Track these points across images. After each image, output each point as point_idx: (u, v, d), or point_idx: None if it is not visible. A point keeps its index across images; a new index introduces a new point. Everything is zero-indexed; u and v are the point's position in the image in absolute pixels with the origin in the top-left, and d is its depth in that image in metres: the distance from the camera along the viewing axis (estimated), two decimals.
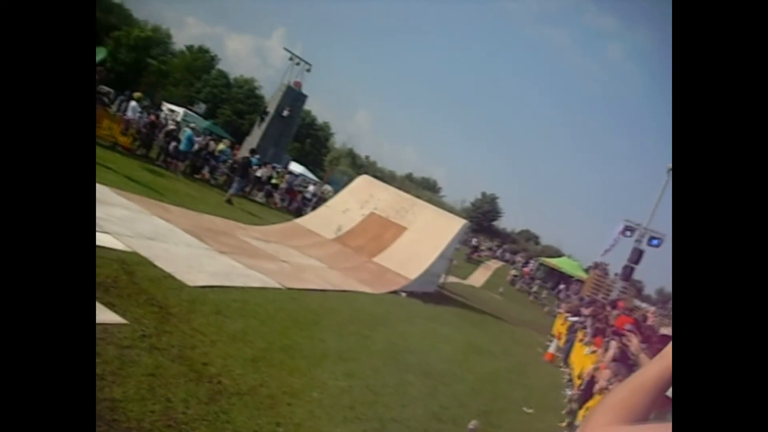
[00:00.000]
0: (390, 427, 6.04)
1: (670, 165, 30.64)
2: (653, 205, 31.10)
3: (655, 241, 29.77)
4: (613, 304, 17.64)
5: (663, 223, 32.27)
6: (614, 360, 7.12)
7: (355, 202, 21.10)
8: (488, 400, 8.72)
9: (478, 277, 41.37)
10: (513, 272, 47.95)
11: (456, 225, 21.38)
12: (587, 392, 8.25)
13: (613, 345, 6.05)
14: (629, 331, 6.01)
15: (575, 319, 16.81)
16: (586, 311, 15.99)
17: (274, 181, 29.86)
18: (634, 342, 5.94)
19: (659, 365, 1.11)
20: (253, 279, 10.05)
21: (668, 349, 1.12)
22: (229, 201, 20.63)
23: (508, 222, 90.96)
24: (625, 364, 6.86)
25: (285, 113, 37.07)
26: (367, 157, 79.62)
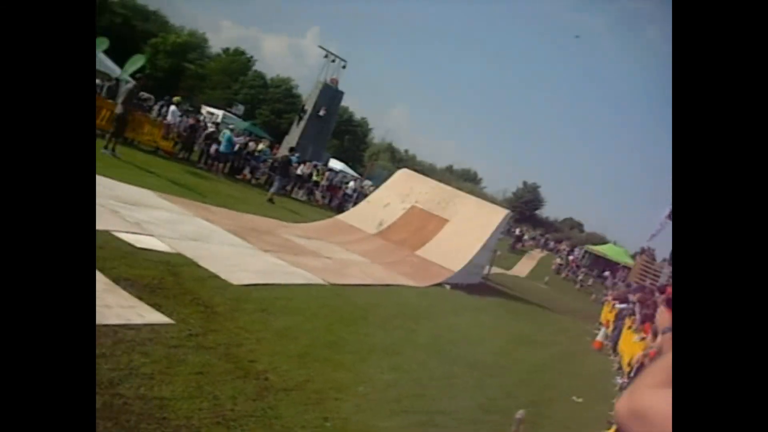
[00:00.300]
0: (437, 419, 6.01)
1: None
2: None
3: None
4: (662, 290, 17.29)
5: None
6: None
7: (396, 196, 21.06)
8: (536, 390, 8.62)
9: (523, 268, 41.03)
10: (558, 261, 47.42)
11: (498, 215, 21.20)
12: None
13: (667, 337, 5.90)
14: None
15: (623, 306, 16.54)
16: (633, 298, 15.70)
17: (314, 178, 30.04)
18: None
19: None
20: (297, 276, 10.10)
21: None
22: (270, 200, 20.80)
23: (551, 211, 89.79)
24: None
25: (322, 113, 37.20)
26: (406, 151, 79.55)
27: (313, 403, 5.31)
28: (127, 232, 8.20)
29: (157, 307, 6.14)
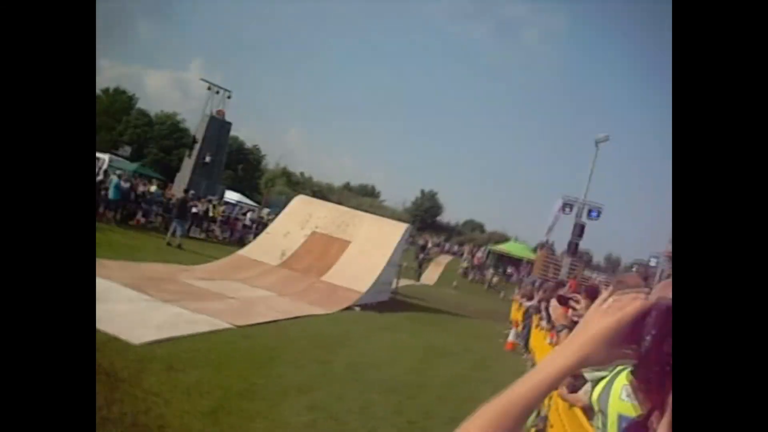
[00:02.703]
0: None
1: (599, 136, 31.49)
2: (587, 178, 31.86)
3: (593, 213, 30.57)
4: (561, 284, 17.91)
5: (598, 195, 33.21)
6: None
7: (295, 224, 20.97)
8: (455, 405, 8.74)
9: (431, 275, 41.69)
10: (464, 264, 48.37)
11: (399, 230, 21.47)
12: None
13: (563, 335, 5.99)
14: (570, 297, 5.85)
15: (529, 303, 16.99)
16: (537, 296, 16.18)
17: (211, 214, 29.45)
18: (581, 303, 5.70)
19: (531, 382, 1.07)
20: (202, 324, 9.86)
21: (543, 363, 1.10)
22: (179, 246, 20.41)
23: (451, 215, 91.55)
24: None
25: (207, 159, 36.76)
26: (302, 174, 79.13)
27: None
28: None
29: None
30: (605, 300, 1.13)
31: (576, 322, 5.43)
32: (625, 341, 1.06)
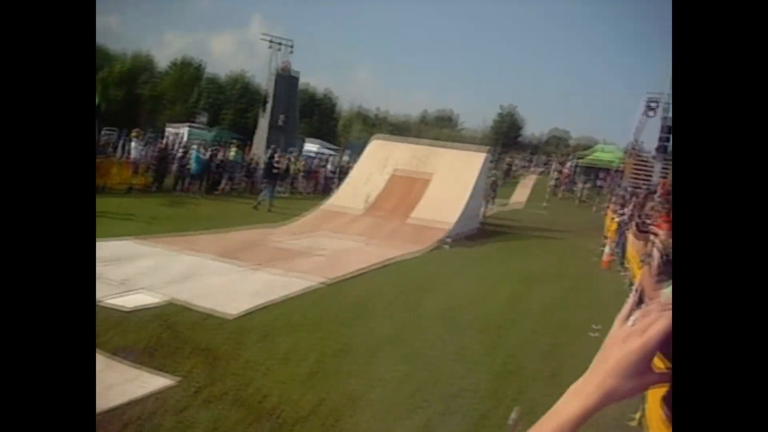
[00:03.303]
0: (456, 404, 6.06)
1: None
2: (668, 71, 30.30)
3: None
4: (653, 192, 17.29)
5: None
6: (659, 269, 6.90)
7: (375, 167, 21.04)
8: (551, 336, 8.66)
9: (520, 196, 41.08)
10: (552, 182, 47.37)
11: (479, 158, 21.22)
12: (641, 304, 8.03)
13: (656, 255, 5.72)
14: (647, 230, 5.61)
15: (622, 216, 16.52)
16: (629, 207, 15.71)
17: (292, 169, 29.85)
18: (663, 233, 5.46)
19: (578, 405, 0.95)
20: (293, 286, 10.09)
21: (559, 406, 0.97)
22: (269, 209, 20.73)
23: (534, 128, 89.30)
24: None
25: (281, 123, 37.13)
26: (377, 111, 78.79)
27: (330, 426, 5.35)
28: (114, 297, 8.17)
29: (160, 368, 6.15)
30: (626, 317, 1.02)
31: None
32: (652, 367, 0.95)
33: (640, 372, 0.93)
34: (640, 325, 0.95)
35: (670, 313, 0.94)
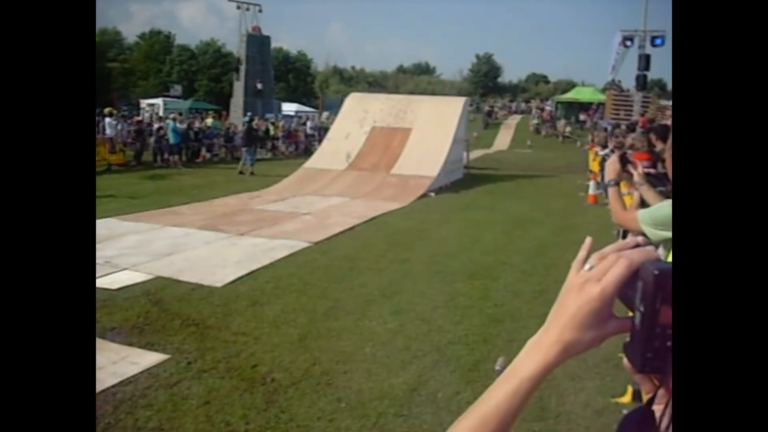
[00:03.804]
0: (449, 352, 6.06)
1: None
2: (644, 4, 30.04)
3: (658, 40, 28.91)
4: (632, 127, 17.19)
5: (660, 20, 31.38)
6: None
7: (353, 123, 20.87)
8: (541, 277, 8.67)
9: (503, 140, 41.05)
10: (534, 121, 47.28)
11: (457, 105, 21.10)
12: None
13: (636, 195, 5.63)
14: (630, 161, 5.47)
15: (605, 152, 16.46)
16: (612, 143, 15.63)
17: (272, 132, 29.60)
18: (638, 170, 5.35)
19: (504, 389, 0.89)
20: (280, 249, 10.04)
21: (517, 362, 0.91)
22: (252, 173, 20.76)
23: (512, 73, 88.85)
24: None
25: (259, 87, 36.70)
26: (353, 68, 77.90)
27: (324, 386, 5.33)
28: (99, 277, 8.08)
29: (150, 346, 6.11)
30: (581, 264, 0.94)
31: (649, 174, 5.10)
32: (612, 314, 0.88)
33: (599, 321, 0.86)
34: (597, 270, 0.87)
35: (629, 254, 0.86)
